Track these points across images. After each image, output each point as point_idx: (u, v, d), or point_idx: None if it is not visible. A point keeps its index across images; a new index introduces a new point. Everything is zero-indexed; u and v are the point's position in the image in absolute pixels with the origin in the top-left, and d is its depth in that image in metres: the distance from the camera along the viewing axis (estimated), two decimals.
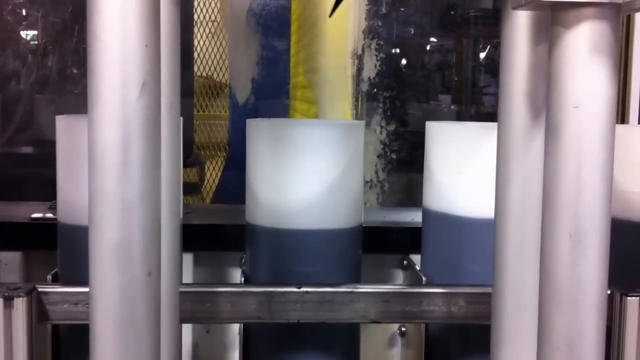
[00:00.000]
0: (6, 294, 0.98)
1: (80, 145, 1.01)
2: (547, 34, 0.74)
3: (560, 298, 0.72)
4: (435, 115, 2.34)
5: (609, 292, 0.75)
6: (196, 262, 1.44)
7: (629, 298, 1.04)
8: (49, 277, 1.16)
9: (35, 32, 2.28)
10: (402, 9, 2.28)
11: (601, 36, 0.69)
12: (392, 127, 2.19)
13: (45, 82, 2.23)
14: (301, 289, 1.09)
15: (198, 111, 2.67)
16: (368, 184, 2.14)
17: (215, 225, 1.45)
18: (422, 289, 1.14)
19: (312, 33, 2.38)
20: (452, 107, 2.47)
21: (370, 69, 2.17)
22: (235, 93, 2.53)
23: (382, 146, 2.18)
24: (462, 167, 1.17)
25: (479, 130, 1.21)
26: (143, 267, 0.71)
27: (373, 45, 2.17)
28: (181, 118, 1.03)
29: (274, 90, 2.49)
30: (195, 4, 2.57)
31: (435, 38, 2.42)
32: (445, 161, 1.20)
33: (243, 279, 1.21)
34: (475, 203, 1.16)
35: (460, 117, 2.43)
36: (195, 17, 2.58)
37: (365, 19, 2.17)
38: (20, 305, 0.98)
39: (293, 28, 2.50)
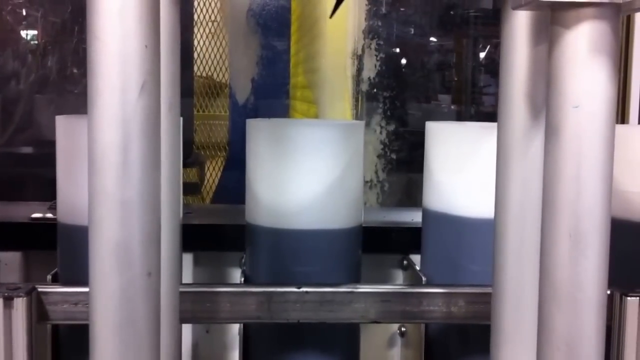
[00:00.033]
0: (6, 294, 0.98)
1: (80, 146, 1.01)
2: (547, 34, 0.74)
3: (560, 298, 0.72)
4: (435, 115, 2.34)
5: (609, 292, 0.75)
6: (196, 262, 1.44)
7: (629, 298, 1.04)
8: (49, 277, 1.16)
9: (35, 32, 2.28)
10: (402, 9, 2.28)
11: (601, 36, 0.69)
12: (391, 127, 2.19)
13: (45, 82, 2.23)
14: (301, 289, 1.09)
15: (198, 111, 2.67)
16: (368, 184, 2.14)
17: (215, 225, 1.45)
18: (422, 289, 1.14)
19: (312, 33, 2.38)
20: (452, 107, 2.47)
21: (370, 69, 2.17)
22: (235, 93, 2.53)
23: (382, 146, 2.18)
24: (461, 167, 1.17)
25: (479, 130, 1.21)
26: (143, 267, 0.71)
27: (373, 45, 2.17)
28: (181, 118, 1.03)
29: (274, 90, 2.50)
30: (195, 4, 2.57)
31: (435, 38, 2.42)
32: (445, 161, 1.20)
33: (243, 279, 1.21)
34: (475, 203, 1.16)
35: (460, 117, 2.43)
36: (195, 17, 2.58)
37: (365, 19, 2.17)
38: (20, 305, 0.98)
39: (293, 28, 2.50)
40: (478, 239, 1.15)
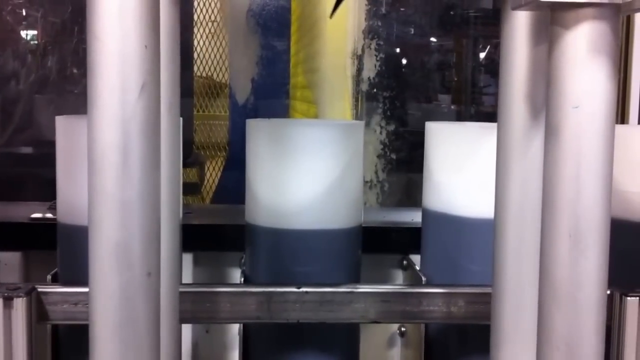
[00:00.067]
0: (6, 294, 0.98)
1: (80, 146, 1.01)
2: (547, 35, 0.74)
3: (559, 298, 0.72)
4: (435, 115, 2.34)
5: (608, 292, 0.75)
6: (196, 262, 1.44)
7: (628, 298, 1.04)
8: (49, 277, 1.16)
9: (35, 32, 2.28)
10: (401, 9, 2.28)
11: (601, 36, 0.69)
12: (391, 127, 2.19)
13: (45, 82, 2.23)
14: (301, 289, 1.09)
15: (198, 111, 2.67)
16: (368, 184, 2.14)
17: (215, 225, 1.45)
18: (421, 289, 1.14)
19: (311, 33, 2.38)
20: (452, 107, 2.47)
21: (370, 69, 2.17)
22: (235, 93, 2.53)
23: (381, 146, 2.18)
24: (461, 167, 1.17)
25: (479, 131, 1.21)
26: (142, 268, 0.71)
27: (373, 46, 2.17)
28: (181, 118, 1.03)
29: (274, 91, 2.50)
30: (195, 4, 2.57)
31: (435, 38, 2.42)
32: (444, 161, 1.20)
33: (243, 279, 1.21)
34: (474, 203, 1.16)
35: (460, 117, 2.43)
36: (195, 17, 2.58)
37: (365, 19, 2.17)
38: (19, 305, 0.98)
39: (293, 28, 2.50)
40: (478, 239, 1.15)
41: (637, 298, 1.04)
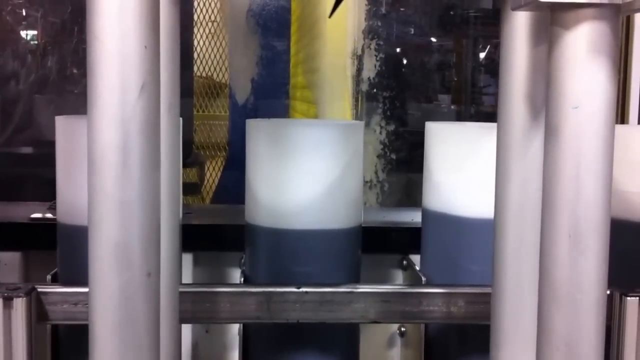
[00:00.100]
0: (6, 294, 0.98)
1: (80, 146, 1.01)
2: (547, 35, 0.74)
3: (559, 298, 0.72)
4: (435, 115, 2.34)
5: (608, 292, 0.75)
6: (196, 262, 1.44)
7: (628, 298, 1.04)
8: (49, 277, 1.16)
9: (35, 32, 2.28)
10: (401, 9, 2.28)
11: (600, 37, 0.69)
12: (391, 127, 2.19)
13: (45, 83, 2.23)
14: (300, 289, 1.09)
15: (198, 111, 2.67)
16: (368, 184, 2.14)
17: (215, 225, 1.45)
18: (421, 289, 1.14)
19: (311, 33, 2.38)
20: (452, 107, 2.47)
21: (369, 69, 2.17)
22: (235, 93, 2.53)
23: (381, 146, 2.18)
24: (461, 167, 1.17)
25: (479, 131, 1.21)
26: (142, 268, 0.71)
27: (372, 46, 2.17)
28: (181, 118, 1.03)
29: (274, 91, 2.50)
30: (195, 4, 2.57)
31: (435, 38, 2.42)
32: (444, 161, 1.21)
33: (242, 279, 1.21)
34: (474, 203, 1.16)
35: (459, 117, 2.43)
36: (195, 17, 2.58)
37: (365, 19, 2.17)
38: (19, 305, 0.98)
39: (293, 28, 2.50)
40: (478, 239, 1.15)
41: (637, 298, 1.04)
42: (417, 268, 1.30)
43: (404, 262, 1.41)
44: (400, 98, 2.22)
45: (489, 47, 2.45)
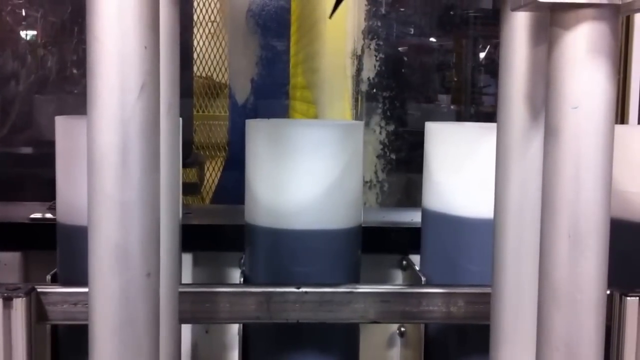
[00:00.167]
0: (5, 295, 0.98)
1: (80, 146, 1.01)
2: (546, 35, 0.74)
3: (559, 298, 0.72)
4: (435, 116, 2.34)
5: (608, 292, 0.75)
6: (195, 263, 1.44)
7: (628, 298, 1.04)
8: (48, 277, 1.16)
9: (35, 32, 2.28)
10: (401, 10, 2.28)
11: (600, 37, 0.69)
12: (391, 128, 2.19)
13: (45, 83, 2.23)
14: (300, 289, 1.09)
15: (198, 111, 2.67)
16: (367, 184, 2.14)
17: (215, 225, 1.45)
18: (421, 289, 1.14)
19: (311, 33, 2.38)
20: (452, 107, 2.47)
21: (369, 69, 2.17)
22: (234, 93, 2.53)
23: (381, 146, 2.18)
24: (461, 167, 1.17)
25: (478, 131, 1.21)
26: (142, 268, 0.71)
27: (372, 46, 2.17)
28: (180, 118, 1.03)
29: (274, 91, 2.50)
30: (195, 4, 2.57)
31: (435, 38, 2.42)
32: (444, 161, 1.21)
33: (242, 279, 1.21)
34: (474, 203, 1.16)
35: (459, 117, 2.43)
36: (195, 17, 2.58)
37: (365, 19, 2.17)
38: (19, 305, 0.98)
39: (292, 29, 2.50)
40: (477, 239, 1.15)
41: (637, 298, 1.04)
42: (417, 268, 1.30)
43: (404, 262, 1.41)
44: (400, 98, 2.22)
45: (488, 47, 2.45)
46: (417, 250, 1.31)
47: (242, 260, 1.24)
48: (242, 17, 2.48)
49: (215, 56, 2.67)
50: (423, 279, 1.23)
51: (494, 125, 0.88)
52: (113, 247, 0.70)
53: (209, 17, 2.66)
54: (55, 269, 1.18)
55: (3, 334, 0.97)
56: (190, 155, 2.32)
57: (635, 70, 2.00)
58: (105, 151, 0.69)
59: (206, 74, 2.68)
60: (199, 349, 1.46)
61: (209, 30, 2.65)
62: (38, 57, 2.24)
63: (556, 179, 0.71)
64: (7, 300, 0.98)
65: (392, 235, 1.44)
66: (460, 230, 1.18)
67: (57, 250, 1.18)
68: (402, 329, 1.44)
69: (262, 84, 2.48)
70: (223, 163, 2.65)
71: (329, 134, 1.15)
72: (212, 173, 2.68)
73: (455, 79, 2.51)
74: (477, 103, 2.46)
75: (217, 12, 2.67)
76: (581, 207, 0.70)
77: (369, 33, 2.17)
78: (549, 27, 0.72)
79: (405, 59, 2.34)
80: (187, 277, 1.39)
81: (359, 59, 2.17)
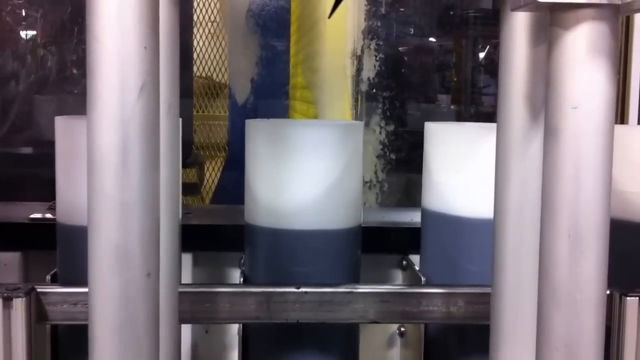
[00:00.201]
0: (5, 295, 0.98)
1: (80, 146, 1.01)
2: (546, 35, 0.74)
3: (559, 298, 0.72)
4: (435, 116, 2.34)
5: (608, 292, 0.75)
6: (195, 263, 1.44)
7: (628, 298, 1.04)
8: (48, 277, 1.16)
9: (35, 32, 2.28)
10: (401, 10, 2.28)
11: (600, 37, 0.69)
12: (391, 128, 2.19)
13: (45, 83, 2.23)
14: (300, 289, 1.09)
15: (197, 111, 2.67)
16: (367, 184, 2.14)
17: (214, 225, 1.45)
18: (421, 289, 1.14)
19: (311, 34, 2.38)
20: (452, 107, 2.47)
21: (369, 69, 2.17)
22: (234, 93, 2.53)
23: (381, 146, 2.18)
24: (461, 167, 1.17)
25: (478, 131, 1.21)
26: (142, 268, 0.71)
27: (372, 46, 2.17)
28: (180, 119, 1.03)
29: (273, 91, 2.49)
30: (195, 4, 2.57)
31: (435, 38, 2.42)
32: (444, 161, 1.21)
33: (242, 279, 1.21)
34: (474, 203, 1.16)
35: (459, 117, 2.43)
36: (195, 17, 2.58)
37: (365, 19, 2.17)
38: (19, 305, 0.98)
39: (292, 29, 2.50)
40: (477, 239, 1.15)
41: (637, 298, 1.04)
42: (417, 268, 1.30)
43: (404, 262, 1.41)
44: (399, 98, 2.22)
45: (488, 47, 2.45)
46: (417, 250, 1.31)
47: (242, 260, 1.24)
48: (242, 17, 2.48)
49: (215, 56, 2.67)
50: (423, 279, 1.23)
51: (493, 125, 0.88)
52: (113, 247, 0.70)
53: (209, 17, 2.65)
54: (55, 269, 1.18)
55: (3, 334, 0.97)
56: (190, 156, 2.32)
57: (635, 70, 2.00)
58: (105, 151, 0.69)
59: (206, 74, 2.68)
60: (199, 349, 1.46)
61: (209, 30, 2.65)
62: (38, 57, 2.24)
63: (556, 179, 0.71)
64: (7, 300, 0.98)
65: (392, 235, 1.44)
66: (460, 230, 1.18)
67: (57, 250, 1.18)
68: (402, 329, 1.44)
69: (262, 84, 2.48)
70: (223, 163, 2.65)
71: (329, 134, 1.15)
72: (212, 173, 2.68)
73: (455, 79, 2.51)
74: (477, 103, 2.46)
75: (217, 12, 2.67)
76: (581, 207, 0.70)
77: (369, 33, 2.17)
78: (549, 27, 0.72)
79: (405, 59, 2.34)
80: (187, 277, 1.39)
81: (358, 59, 2.17)
